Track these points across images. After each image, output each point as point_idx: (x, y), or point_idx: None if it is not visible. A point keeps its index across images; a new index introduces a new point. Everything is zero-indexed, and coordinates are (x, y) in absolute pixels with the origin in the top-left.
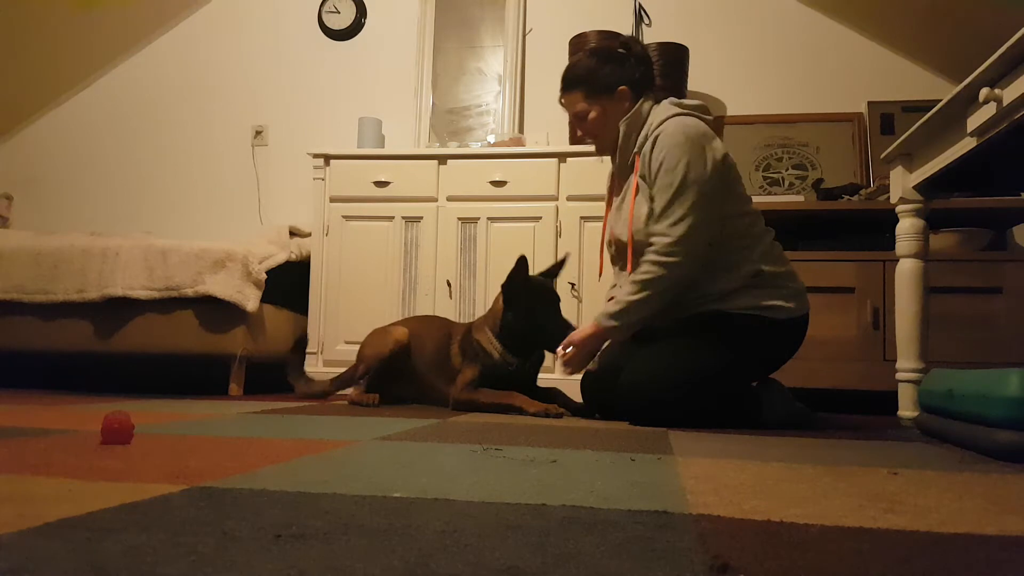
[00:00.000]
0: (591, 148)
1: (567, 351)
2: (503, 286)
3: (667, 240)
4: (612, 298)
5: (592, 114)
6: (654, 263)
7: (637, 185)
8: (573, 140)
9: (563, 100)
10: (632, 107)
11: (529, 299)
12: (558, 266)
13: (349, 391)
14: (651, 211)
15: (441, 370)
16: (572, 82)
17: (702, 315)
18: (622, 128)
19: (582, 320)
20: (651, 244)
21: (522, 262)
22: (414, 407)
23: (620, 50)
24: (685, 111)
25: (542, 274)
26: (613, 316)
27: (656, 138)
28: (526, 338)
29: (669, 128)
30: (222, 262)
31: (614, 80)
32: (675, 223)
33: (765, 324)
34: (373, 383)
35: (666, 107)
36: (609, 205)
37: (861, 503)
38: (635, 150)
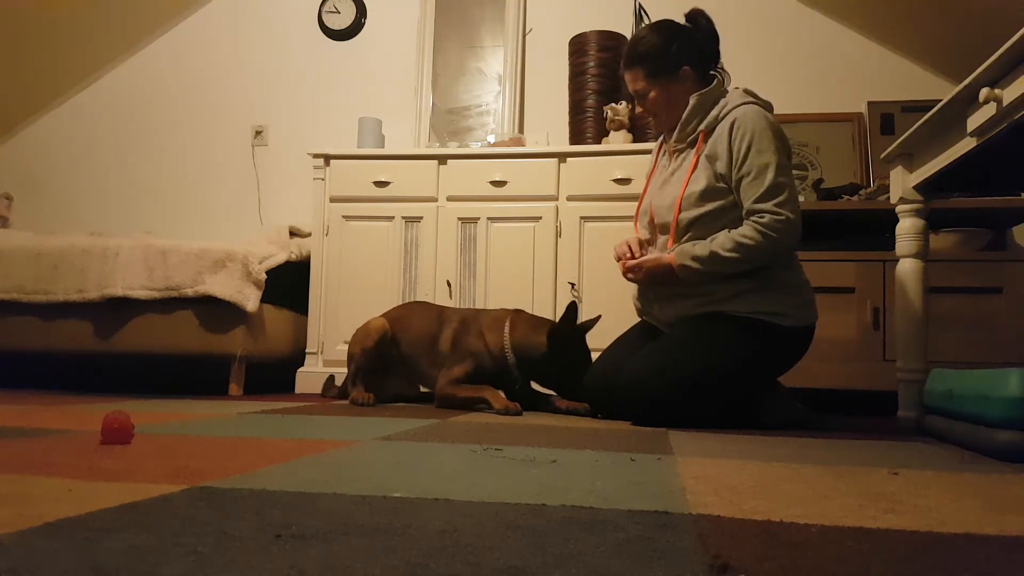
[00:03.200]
0: (591, 148)
1: (633, 264)
2: (551, 332)
3: (779, 218)
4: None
5: (653, 93)
6: (761, 233)
7: (697, 162)
8: (574, 140)
9: (625, 74)
10: (694, 86)
11: (572, 352)
12: (592, 322)
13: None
14: (715, 189)
15: (427, 353)
16: (635, 59)
17: (709, 315)
18: (692, 101)
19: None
20: (759, 216)
21: (572, 308)
22: (414, 407)
23: (687, 24)
24: (759, 102)
25: (579, 324)
26: (696, 259)
27: (734, 121)
28: (546, 377)
29: (750, 113)
30: (222, 262)
31: (678, 60)
32: (784, 202)
33: (770, 330)
34: (367, 379)
35: (740, 94)
36: (651, 176)
37: (861, 503)
38: (702, 128)
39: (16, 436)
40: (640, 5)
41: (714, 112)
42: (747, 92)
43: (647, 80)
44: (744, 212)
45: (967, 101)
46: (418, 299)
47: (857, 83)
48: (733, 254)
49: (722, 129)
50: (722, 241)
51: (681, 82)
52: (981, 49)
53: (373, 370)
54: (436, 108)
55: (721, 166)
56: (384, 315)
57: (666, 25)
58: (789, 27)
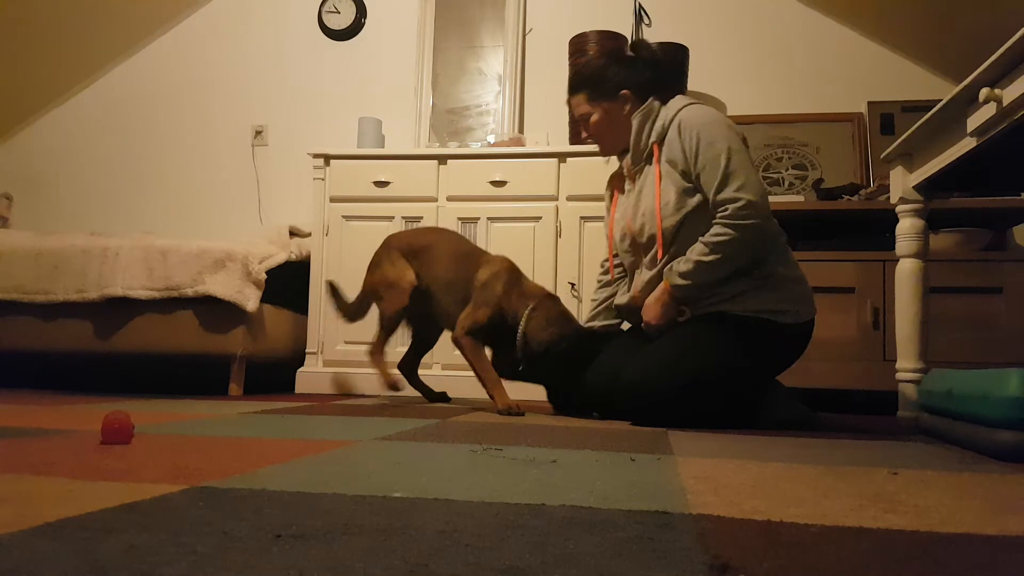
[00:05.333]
0: (592, 148)
1: (648, 320)
2: (556, 338)
3: (739, 204)
4: (595, 302)
5: (594, 117)
6: (728, 226)
7: (660, 171)
8: (574, 140)
9: (570, 101)
10: (634, 110)
11: (567, 364)
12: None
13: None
14: (685, 189)
15: (453, 291)
16: (577, 84)
17: (708, 315)
18: (635, 121)
19: (581, 320)
20: (722, 210)
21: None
22: (415, 407)
23: (629, 52)
24: (701, 103)
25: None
26: (684, 275)
27: (679, 123)
28: (552, 372)
29: (692, 111)
30: (222, 262)
31: (617, 83)
32: (741, 187)
33: (770, 328)
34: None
35: (679, 99)
36: (614, 205)
37: (861, 503)
38: (652, 140)
39: (16, 436)
40: (640, 5)
41: (660, 122)
42: (686, 97)
43: (589, 103)
44: (711, 208)
45: (967, 101)
46: None
47: (857, 83)
48: (714, 255)
49: (672, 134)
50: (700, 249)
51: (621, 104)
52: (981, 49)
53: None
54: (436, 108)
55: (681, 165)
56: (407, 243)
57: (607, 51)
58: (789, 27)
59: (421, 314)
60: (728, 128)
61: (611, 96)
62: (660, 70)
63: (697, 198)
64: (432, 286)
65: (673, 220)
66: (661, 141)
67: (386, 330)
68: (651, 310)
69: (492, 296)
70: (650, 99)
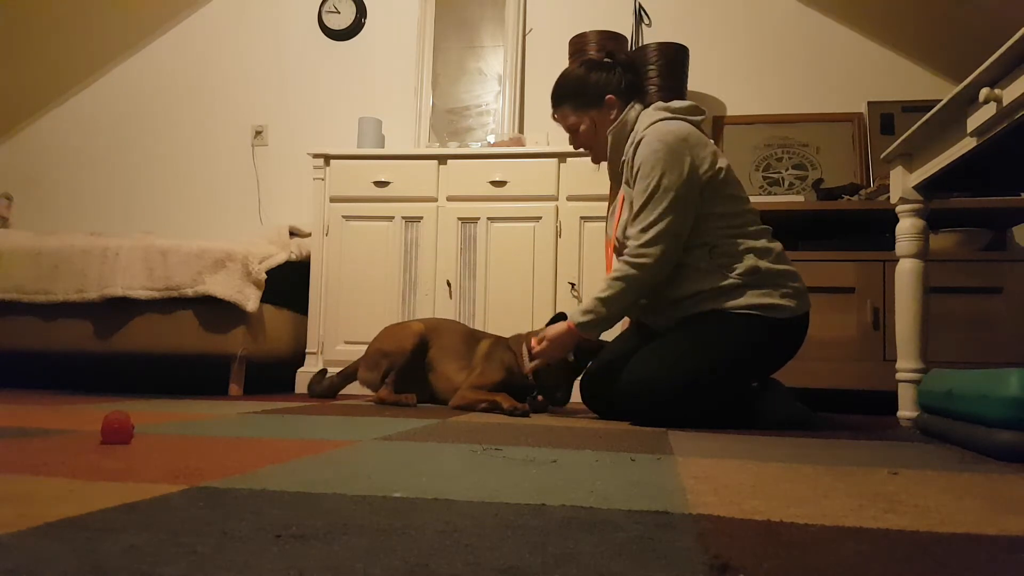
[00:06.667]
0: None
1: (540, 344)
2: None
3: (637, 243)
4: None
5: (582, 126)
6: (626, 263)
7: (622, 193)
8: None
9: (555, 115)
10: (619, 114)
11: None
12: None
13: (369, 392)
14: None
15: (457, 359)
16: (560, 97)
17: (703, 314)
18: (610, 138)
19: None
20: (626, 246)
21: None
22: (414, 408)
23: (606, 59)
24: (671, 115)
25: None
26: (586, 311)
27: (640, 142)
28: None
29: (649, 136)
30: (222, 262)
31: (600, 90)
32: (646, 227)
33: (766, 323)
34: (398, 381)
35: (651, 113)
36: (610, 207)
37: (861, 503)
38: (624, 159)
39: (16, 436)
40: (640, 5)
41: (631, 140)
42: (660, 107)
43: (575, 114)
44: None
45: (967, 101)
46: (418, 299)
47: (857, 83)
48: (608, 292)
49: (629, 155)
50: (600, 286)
51: (607, 110)
52: (981, 49)
53: (404, 374)
54: (436, 108)
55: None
56: (418, 320)
57: (584, 62)
58: (789, 27)
59: (416, 375)
60: (673, 159)
61: (596, 104)
62: (638, 73)
63: None
64: (438, 352)
65: (623, 240)
66: (630, 160)
67: (387, 371)
68: (551, 343)
69: (497, 361)
70: (627, 109)
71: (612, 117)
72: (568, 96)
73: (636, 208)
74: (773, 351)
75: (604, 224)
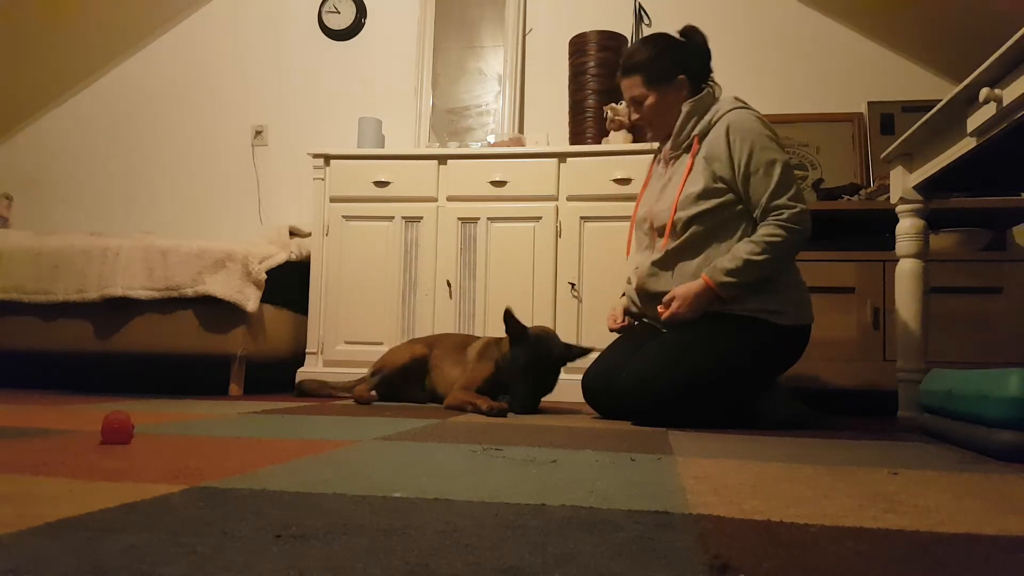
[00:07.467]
0: (591, 148)
1: (671, 305)
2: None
3: (795, 210)
4: (629, 279)
5: (650, 100)
6: (784, 228)
7: (692, 164)
8: (574, 140)
9: (622, 82)
10: (688, 96)
11: (527, 352)
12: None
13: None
14: (713, 189)
15: (454, 357)
16: (633, 67)
17: (707, 315)
18: (685, 108)
19: (582, 320)
20: (777, 214)
21: (506, 313)
22: (414, 408)
23: (681, 39)
24: (749, 107)
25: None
26: (730, 272)
27: (729, 124)
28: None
29: (743, 116)
30: (222, 262)
31: (674, 69)
32: (795, 196)
33: (770, 328)
34: (383, 389)
35: (731, 100)
36: (645, 186)
37: (861, 503)
38: (696, 132)
39: (16, 436)
40: (640, 5)
41: (708, 117)
42: (737, 99)
43: (645, 87)
44: (759, 211)
45: (967, 101)
46: (418, 299)
47: (857, 83)
48: (765, 255)
49: (717, 132)
50: (749, 248)
51: (676, 90)
52: (981, 49)
53: (394, 383)
54: (436, 108)
55: (720, 167)
56: (425, 338)
57: (662, 36)
58: (789, 27)
59: (413, 379)
60: (778, 139)
61: (668, 80)
62: (709, 58)
63: (716, 201)
64: (439, 356)
65: (687, 214)
66: (704, 135)
67: (377, 380)
68: (685, 301)
69: (487, 357)
70: (705, 88)
71: (682, 96)
72: (642, 68)
73: (772, 182)
74: (774, 356)
75: (604, 224)
